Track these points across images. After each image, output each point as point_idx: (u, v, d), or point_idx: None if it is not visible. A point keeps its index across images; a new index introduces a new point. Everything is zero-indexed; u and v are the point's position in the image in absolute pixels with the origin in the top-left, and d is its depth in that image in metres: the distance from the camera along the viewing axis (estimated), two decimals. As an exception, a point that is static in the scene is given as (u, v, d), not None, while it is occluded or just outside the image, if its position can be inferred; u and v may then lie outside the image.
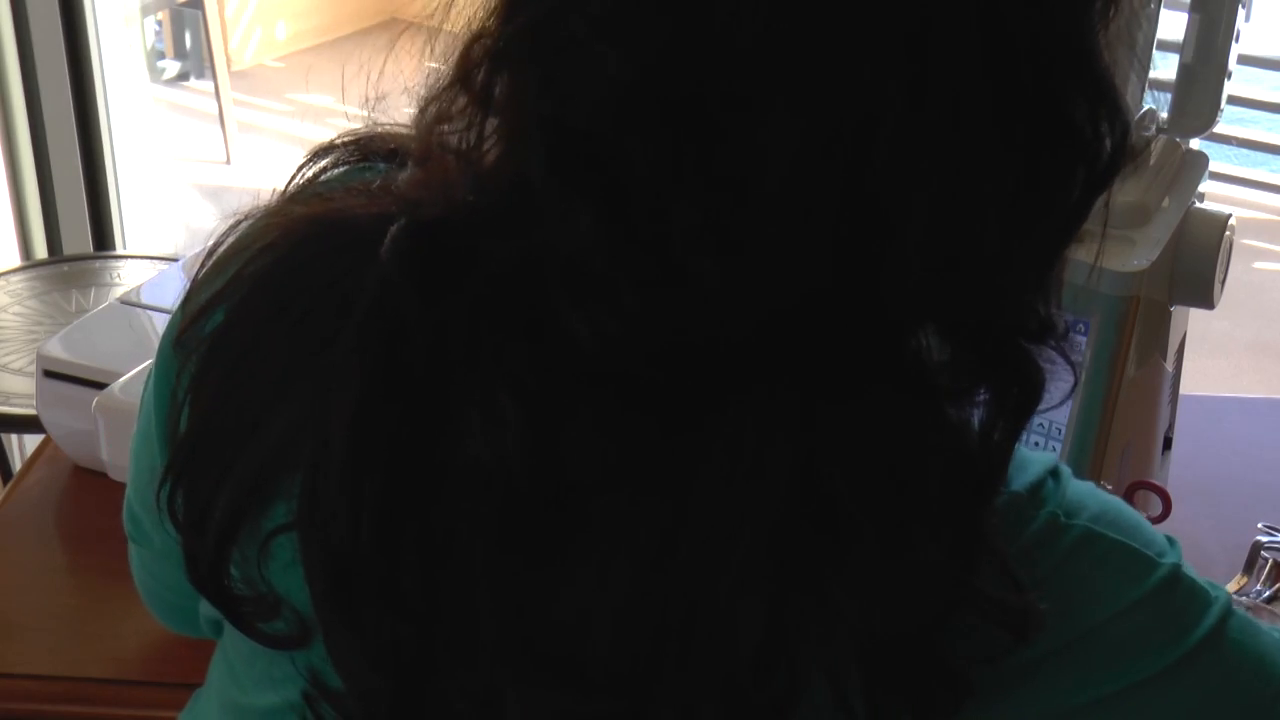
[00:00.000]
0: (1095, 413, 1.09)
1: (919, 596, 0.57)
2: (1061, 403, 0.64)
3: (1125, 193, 1.12)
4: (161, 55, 4.80)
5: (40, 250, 2.52)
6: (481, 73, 0.59)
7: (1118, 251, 1.10)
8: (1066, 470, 0.67)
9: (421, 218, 0.59)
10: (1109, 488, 1.12)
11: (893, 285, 0.56)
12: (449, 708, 0.61)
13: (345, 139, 0.66)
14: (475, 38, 0.59)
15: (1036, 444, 1.11)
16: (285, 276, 0.62)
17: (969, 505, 0.59)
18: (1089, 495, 0.66)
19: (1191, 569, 0.67)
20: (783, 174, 0.54)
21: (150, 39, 4.67)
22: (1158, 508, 1.13)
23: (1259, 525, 1.37)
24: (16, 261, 2.38)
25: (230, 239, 0.65)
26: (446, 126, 0.61)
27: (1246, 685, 0.66)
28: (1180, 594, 0.66)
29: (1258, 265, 4.35)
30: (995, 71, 0.54)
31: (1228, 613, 0.66)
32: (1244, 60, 1.22)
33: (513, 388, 0.56)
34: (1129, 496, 1.13)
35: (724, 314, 0.55)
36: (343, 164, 0.66)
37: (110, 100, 2.53)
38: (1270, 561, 1.32)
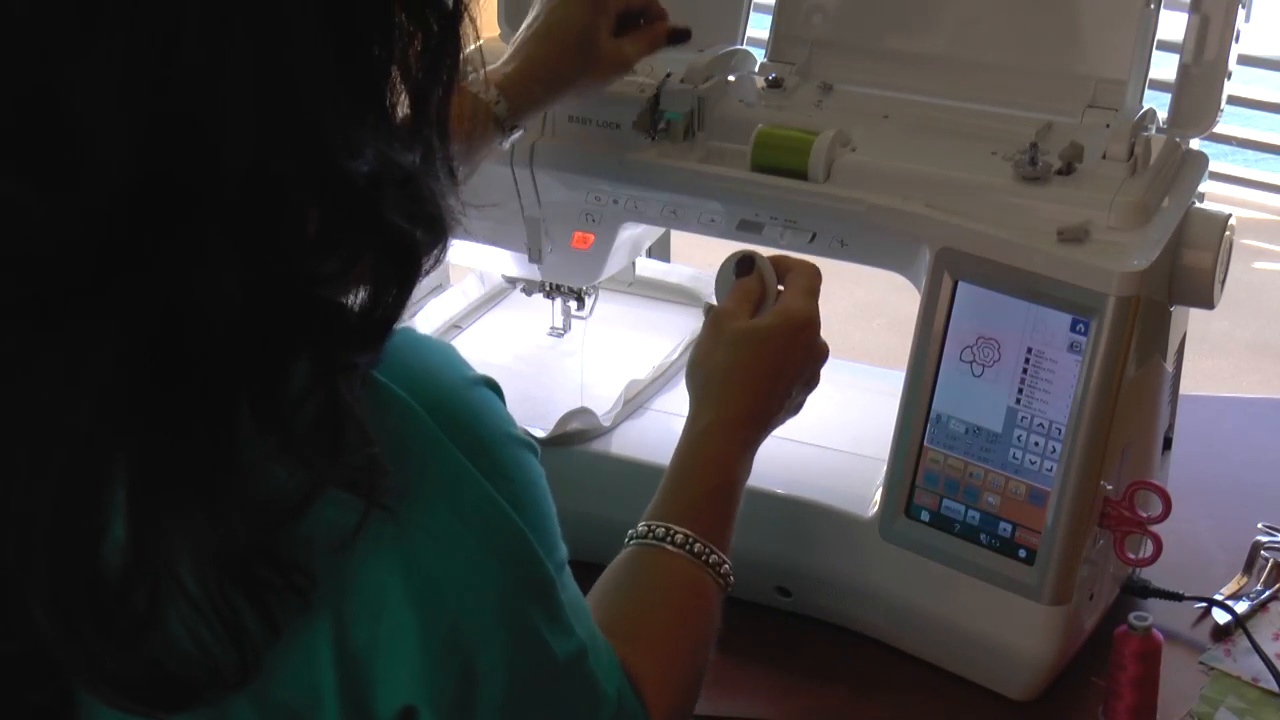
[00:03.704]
0: (1095, 413, 1.09)
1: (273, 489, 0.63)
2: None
3: (1125, 193, 1.12)
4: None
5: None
6: None
7: (1118, 251, 1.10)
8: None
9: None
10: (1109, 488, 1.13)
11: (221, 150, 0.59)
12: None
13: None
14: None
15: (1037, 444, 1.11)
16: None
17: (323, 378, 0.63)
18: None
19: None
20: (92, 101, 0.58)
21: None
22: (1158, 508, 1.13)
23: (1259, 525, 1.37)
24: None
25: None
26: None
27: None
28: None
29: (1258, 265, 4.35)
30: None
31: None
32: (1244, 60, 1.22)
33: None
34: (1129, 496, 1.14)
35: (44, 227, 0.59)
36: None
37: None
38: (1270, 561, 1.32)
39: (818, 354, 1.06)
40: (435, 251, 0.68)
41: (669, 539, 0.93)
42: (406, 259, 0.67)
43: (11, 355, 0.61)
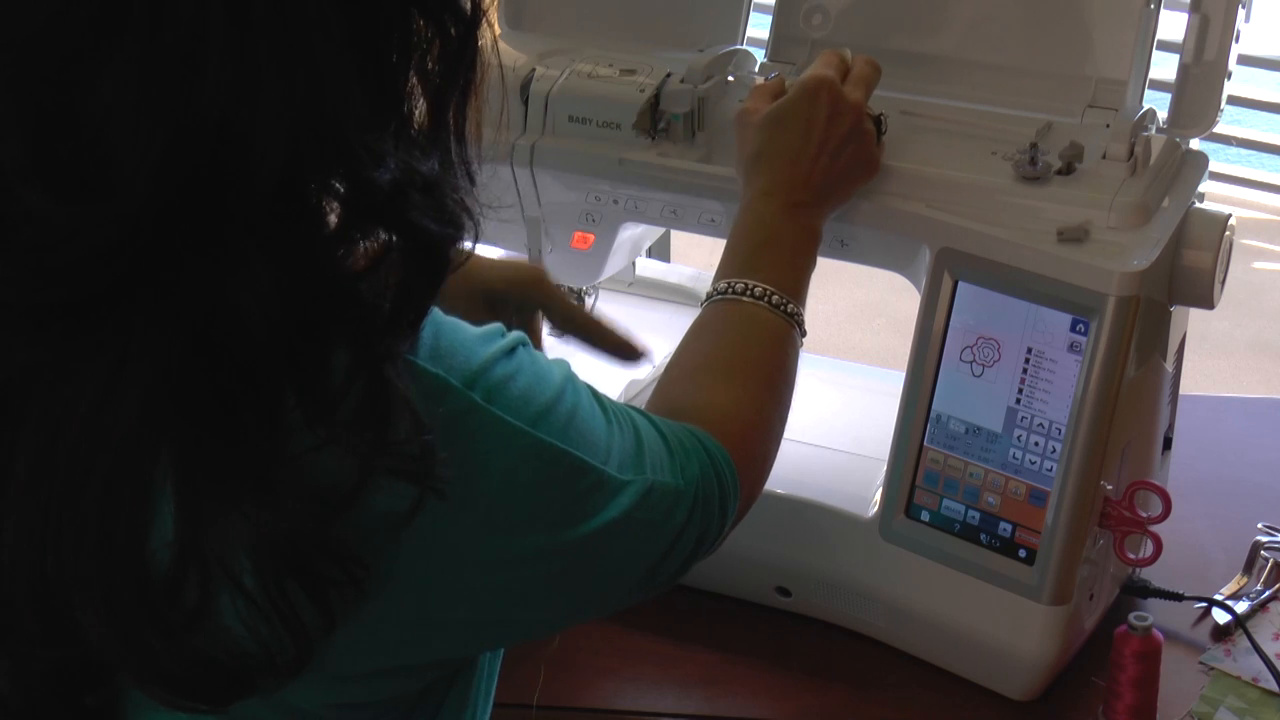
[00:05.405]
0: (1095, 413, 1.09)
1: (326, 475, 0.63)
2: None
3: (1125, 193, 1.12)
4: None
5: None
6: None
7: (1118, 251, 1.10)
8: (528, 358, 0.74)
9: None
10: (1109, 488, 1.13)
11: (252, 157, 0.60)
12: None
13: None
14: None
15: (1037, 444, 1.11)
16: None
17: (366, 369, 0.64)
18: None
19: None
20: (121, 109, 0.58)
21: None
22: (1158, 508, 1.13)
23: (1259, 525, 1.37)
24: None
25: None
26: None
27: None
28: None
29: (1258, 265, 4.35)
30: None
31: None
32: (1244, 60, 1.22)
33: None
34: (1129, 496, 1.13)
35: (70, 243, 0.59)
36: None
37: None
38: (1270, 561, 1.32)
39: (842, 109, 1.09)
40: (463, 245, 0.69)
41: (729, 291, 1.00)
42: (434, 255, 0.67)
43: (50, 364, 0.61)
